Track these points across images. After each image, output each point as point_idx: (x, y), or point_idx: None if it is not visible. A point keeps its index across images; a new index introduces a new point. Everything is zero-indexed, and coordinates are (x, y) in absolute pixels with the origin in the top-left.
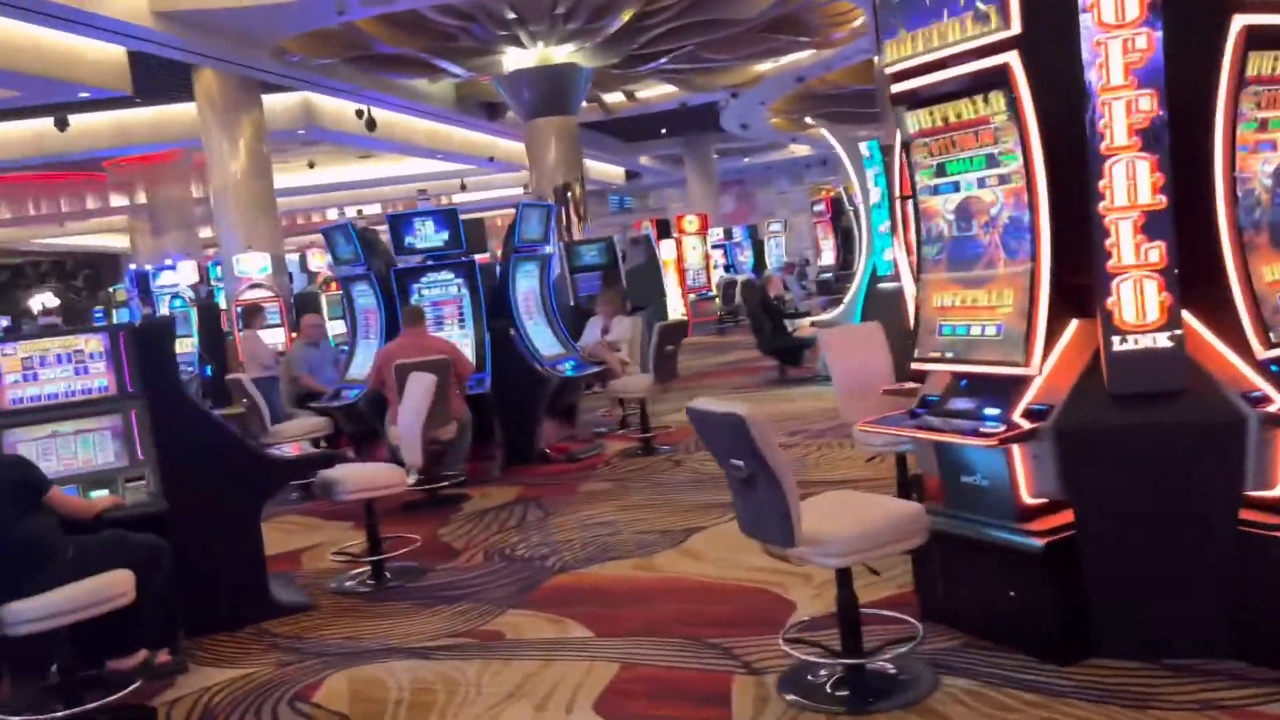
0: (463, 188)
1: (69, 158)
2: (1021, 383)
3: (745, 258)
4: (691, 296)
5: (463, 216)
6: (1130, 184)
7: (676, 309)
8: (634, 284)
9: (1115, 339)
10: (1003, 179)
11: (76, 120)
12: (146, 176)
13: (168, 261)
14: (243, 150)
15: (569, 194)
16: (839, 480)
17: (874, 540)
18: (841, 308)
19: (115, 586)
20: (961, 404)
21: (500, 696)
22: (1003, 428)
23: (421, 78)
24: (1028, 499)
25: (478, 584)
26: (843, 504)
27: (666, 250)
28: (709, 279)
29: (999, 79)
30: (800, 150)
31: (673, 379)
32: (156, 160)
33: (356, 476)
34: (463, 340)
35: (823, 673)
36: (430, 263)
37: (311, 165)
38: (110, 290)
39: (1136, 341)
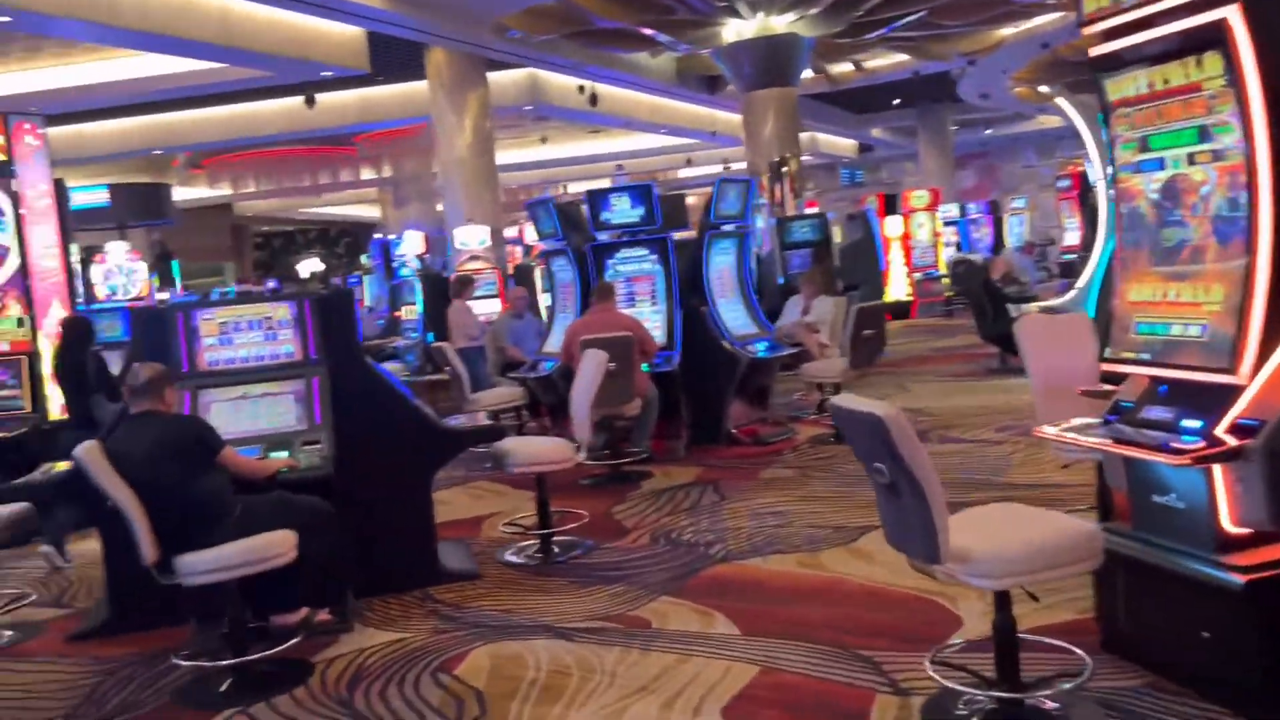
0: (688, 163)
1: (320, 133)
2: (1230, 393)
3: (981, 235)
4: (917, 276)
5: (687, 192)
6: None
7: (900, 289)
8: (848, 262)
9: None
10: (1217, 155)
11: (325, 98)
12: (391, 151)
13: (408, 231)
14: (468, 127)
15: (784, 168)
16: (1037, 484)
17: (1033, 562)
18: (1073, 294)
19: (276, 546)
20: (1157, 413)
21: (631, 689)
22: (1201, 443)
23: (641, 51)
24: (1230, 527)
25: (638, 566)
26: (1006, 517)
27: (892, 227)
28: (937, 258)
29: (1215, 38)
30: (1050, 121)
31: (870, 364)
32: (400, 135)
33: (527, 450)
34: (654, 317)
35: (977, 702)
36: (625, 238)
37: (544, 140)
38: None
39: None
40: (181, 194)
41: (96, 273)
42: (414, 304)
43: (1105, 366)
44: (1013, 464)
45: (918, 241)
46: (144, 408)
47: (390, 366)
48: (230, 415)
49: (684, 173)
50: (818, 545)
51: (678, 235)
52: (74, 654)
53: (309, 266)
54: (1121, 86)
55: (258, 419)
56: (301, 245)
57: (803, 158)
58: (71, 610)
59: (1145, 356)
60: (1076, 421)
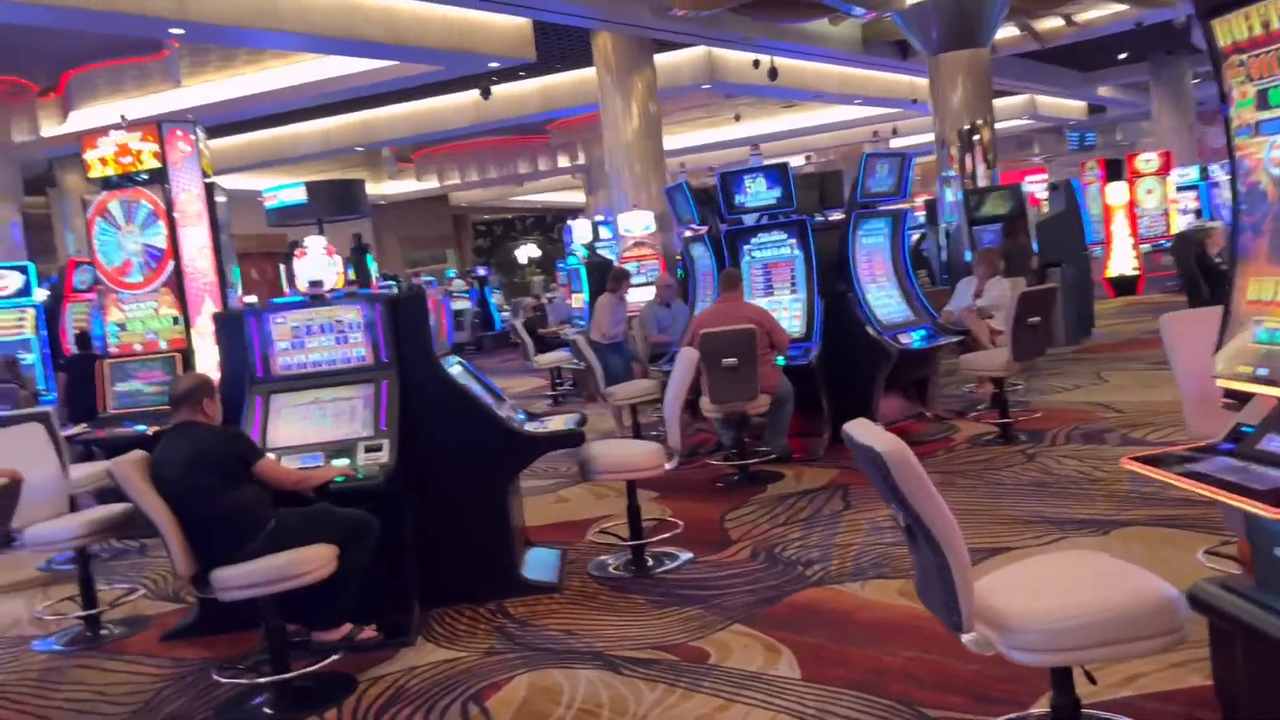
0: (894, 132)
1: (506, 123)
2: None
3: (1226, 200)
4: (1144, 248)
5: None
6: None
7: (1125, 262)
8: (1048, 236)
9: None
10: None
11: (506, 88)
12: (581, 137)
13: (599, 217)
14: (635, 110)
15: (975, 136)
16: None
17: (1083, 636)
18: None
19: (310, 562)
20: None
21: None
22: None
23: (816, 20)
24: None
25: (725, 585)
26: (1070, 572)
27: (1115, 194)
28: (1169, 227)
29: None
30: None
31: (1038, 356)
32: (589, 121)
33: (611, 456)
34: (793, 306)
35: None
36: (764, 221)
37: (737, 118)
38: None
39: None
40: (396, 187)
41: (299, 266)
42: (581, 292)
43: (1219, 381)
44: None
45: (1145, 210)
46: (183, 418)
47: (556, 356)
48: (299, 421)
49: (891, 144)
50: None
51: (835, 216)
52: (160, 654)
53: (526, 253)
54: (1233, 27)
55: (325, 425)
56: (520, 232)
57: (1023, 121)
58: (180, 606)
59: (1263, 372)
60: (1181, 449)
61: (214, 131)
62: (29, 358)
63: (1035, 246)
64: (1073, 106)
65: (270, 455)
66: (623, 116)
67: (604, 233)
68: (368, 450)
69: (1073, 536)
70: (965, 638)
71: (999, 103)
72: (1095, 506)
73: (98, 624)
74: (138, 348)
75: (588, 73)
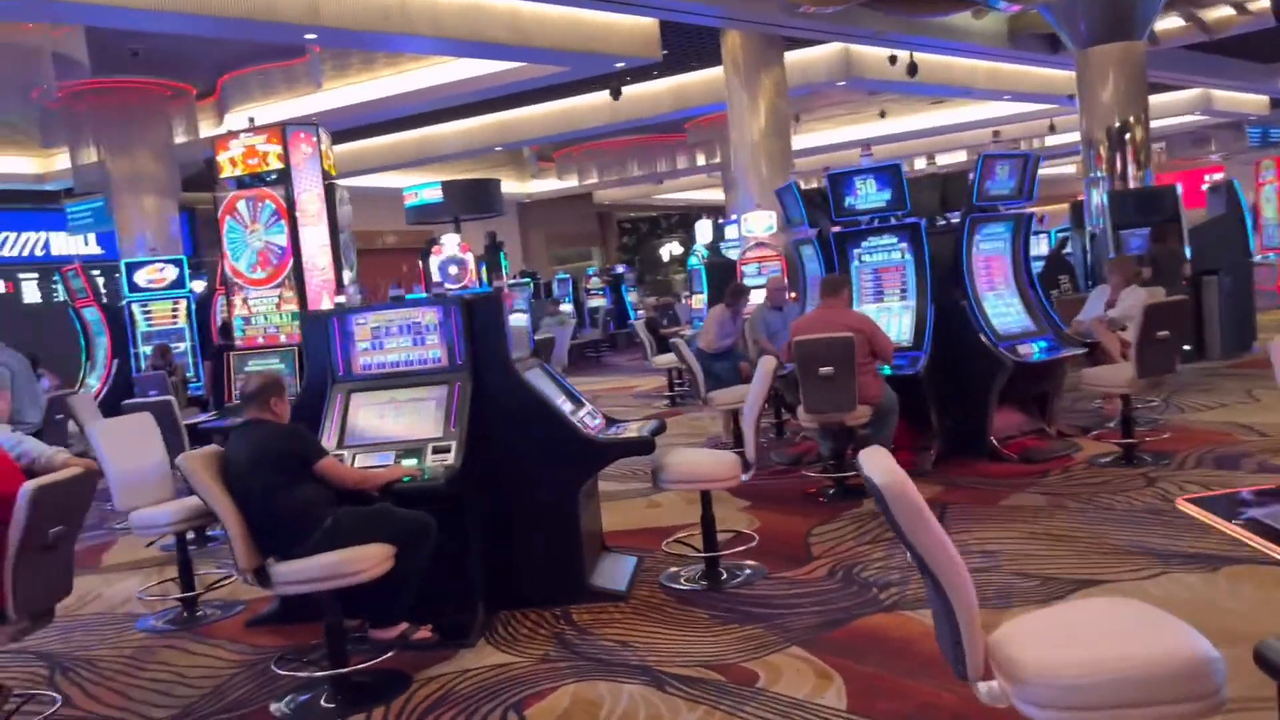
0: (1051, 129)
1: (639, 123)
2: None
3: None
4: None
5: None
6: None
7: None
8: (1205, 241)
9: None
10: None
11: (639, 88)
12: (718, 135)
13: (734, 216)
14: (763, 109)
15: (1127, 135)
16: None
17: (1103, 694)
18: None
19: (363, 561)
20: None
21: None
22: None
23: (955, 13)
24: None
25: (793, 604)
26: (1103, 619)
27: None
28: None
29: None
30: None
31: (1166, 372)
32: (724, 119)
33: (682, 465)
34: (904, 313)
35: None
36: (875, 224)
37: (883, 115)
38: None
39: None
40: (540, 185)
41: (434, 263)
42: (701, 293)
43: None
44: None
45: None
46: (251, 415)
47: (672, 357)
48: (376, 419)
49: (1049, 140)
50: (1009, 601)
51: (956, 219)
52: (241, 640)
53: (669, 250)
54: None
55: (400, 424)
56: (664, 230)
57: (1196, 117)
58: (270, 593)
59: None
60: (1249, 490)
61: (359, 132)
62: (181, 346)
63: (1188, 253)
64: (1255, 101)
65: (341, 453)
66: (750, 115)
67: (732, 232)
68: (436, 451)
69: (1175, 572)
70: (979, 688)
71: (1167, 98)
72: (1208, 540)
73: (194, 606)
74: (260, 340)
75: (718, 71)
